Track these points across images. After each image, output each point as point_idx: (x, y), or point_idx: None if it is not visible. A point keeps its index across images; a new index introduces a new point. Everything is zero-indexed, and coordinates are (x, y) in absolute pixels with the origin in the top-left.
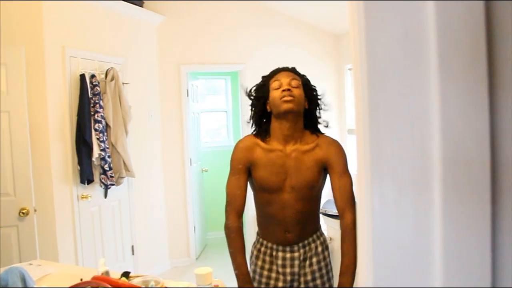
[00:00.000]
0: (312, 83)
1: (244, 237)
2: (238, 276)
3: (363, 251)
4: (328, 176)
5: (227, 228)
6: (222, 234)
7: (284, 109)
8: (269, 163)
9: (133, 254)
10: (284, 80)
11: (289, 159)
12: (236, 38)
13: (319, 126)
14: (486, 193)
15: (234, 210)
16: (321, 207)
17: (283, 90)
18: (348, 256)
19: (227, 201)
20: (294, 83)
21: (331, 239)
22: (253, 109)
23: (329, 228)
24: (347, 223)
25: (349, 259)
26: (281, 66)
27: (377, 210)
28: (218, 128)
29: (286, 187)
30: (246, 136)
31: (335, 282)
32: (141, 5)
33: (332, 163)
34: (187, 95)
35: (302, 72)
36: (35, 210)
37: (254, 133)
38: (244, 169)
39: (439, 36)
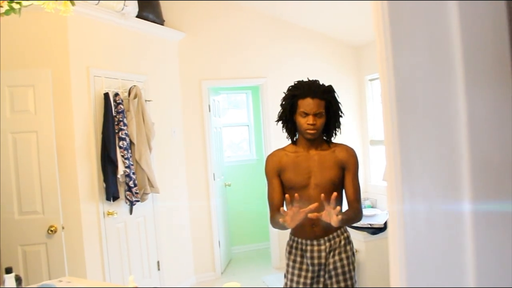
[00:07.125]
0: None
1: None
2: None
3: (396, 256)
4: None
5: (271, 222)
6: (246, 248)
7: (307, 138)
8: (295, 165)
9: (158, 269)
10: (311, 110)
11: (312, 160)
12: (256, 52)
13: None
14: None
15: (274, 209)
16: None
17: (308, 123)
18: (346, 214)
19: (269, 208)
20: (318, 113)
21: (356, 251)
22: (283, 119)
23: (354, 240)
24: (354, 208)
25: (346, 214)
26: (304, 79)
27: (408, 216)
28: (240, 142)
29: (311, 184)
30: (274, 150)
31: (358, 281)
32: (162, 23)
33: (349, 165)
34: (209, 110)
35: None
36: (63, 228)
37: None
38: (277, 176)
39: (463, 42)
